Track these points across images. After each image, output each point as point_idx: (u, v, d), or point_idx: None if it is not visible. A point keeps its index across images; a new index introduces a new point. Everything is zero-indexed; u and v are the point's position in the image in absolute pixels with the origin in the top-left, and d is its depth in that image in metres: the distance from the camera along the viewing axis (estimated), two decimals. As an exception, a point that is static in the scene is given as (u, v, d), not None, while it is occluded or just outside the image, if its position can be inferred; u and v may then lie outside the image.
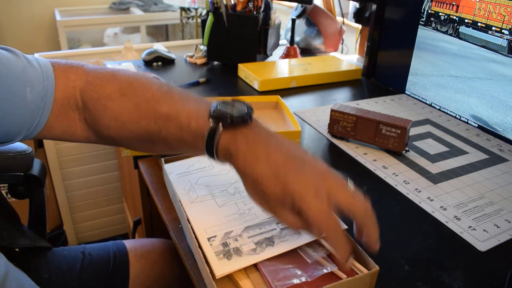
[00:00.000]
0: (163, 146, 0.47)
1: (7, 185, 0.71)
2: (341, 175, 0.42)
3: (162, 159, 0.57)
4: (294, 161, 0.39)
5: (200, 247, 0.43)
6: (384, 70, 1.02)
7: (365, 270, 0.41)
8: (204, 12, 2.10)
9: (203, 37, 1.10)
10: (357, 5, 1.15)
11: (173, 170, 0.56)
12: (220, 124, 0.41)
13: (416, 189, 0.60)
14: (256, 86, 0.95)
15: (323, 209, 0.37)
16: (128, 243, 0.76)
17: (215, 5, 1.03)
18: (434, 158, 0.68)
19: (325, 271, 0.41)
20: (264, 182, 0.39)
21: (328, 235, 0.38)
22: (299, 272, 0.40)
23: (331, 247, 0.41)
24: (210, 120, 0.42)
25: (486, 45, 0.76)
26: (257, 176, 0.39)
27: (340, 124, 0.72)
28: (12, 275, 0.49)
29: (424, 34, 0.88)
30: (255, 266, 0.41)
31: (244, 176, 0.41)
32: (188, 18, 2.48)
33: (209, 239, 0.44)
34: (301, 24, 1.29)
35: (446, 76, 0.85)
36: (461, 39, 0.80)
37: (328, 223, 0.37)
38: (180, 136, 0.44)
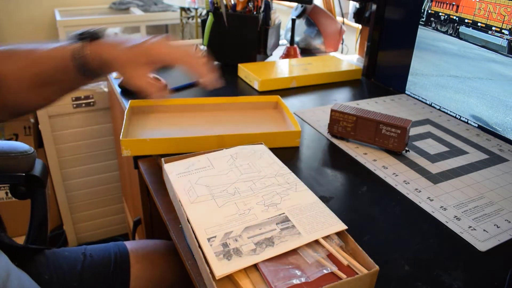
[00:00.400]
0: (51, 86, 0.57)
1: (8, 185, 0.71)
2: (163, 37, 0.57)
3: (162, 159, 0.57)
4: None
5: (200, 247, 0.43)
6: (384, 70, 1.02)
7: (364, 270, 0.41)
8: (204, 12, 2.10)
9: (203, 37, 1.10)
10: (357, 5, 1.15)
11: (173, 170, 0.56)
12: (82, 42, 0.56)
13: (416, 189, 0.60)
14: (256, 86, 0.95)
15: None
16: (129, 245, 0.76)
17: (215, 5, 1.03)
18: (434, 158, 0.68)
19: (325, 271, 0.41)
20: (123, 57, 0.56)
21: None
22: (299, 273, 0.40)
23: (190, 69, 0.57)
24: (74, 44, 0.56)
25: (486, 45, 0.76)
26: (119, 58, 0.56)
27: (340, 124, 0.72)
28: (14, 275, 0.49)
29: (424, 34, 0.88)
30: (255, 266, 0.41)
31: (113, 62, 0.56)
32: (188, 18, 2.48)
33: (209, 239, 0.44)
34: (301, 24, 1.29)
35: (446, 76, 0.85)
36: (461, 39, 0.80)
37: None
38: (56, 65, 0.56)
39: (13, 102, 0.57)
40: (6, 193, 1.41)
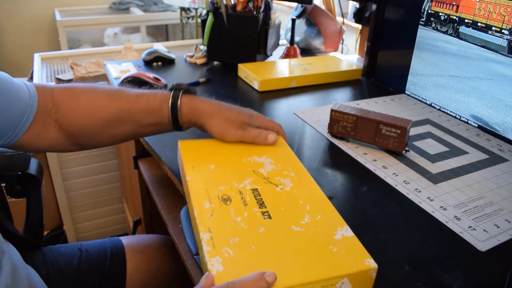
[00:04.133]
0: (130, 124, 0.58)
1: (4, 184, 0.71)
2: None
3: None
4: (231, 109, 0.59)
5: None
6: (384, 70, 1.02)
7: (364, 268, 0.41)
8: (204, 12, 2.10)
9: (203, 37, 1.10)
10: (357, 5, 1.15)
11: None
12: (181, 92, 0.58)
13: (416, 189, 0.60)
14: (256, 86, 0.95)
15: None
16: (124, 240, 0.77)
17: (215, 5, 1.03)
18: (434, 158, 0.69)
19: None
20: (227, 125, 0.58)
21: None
22: None
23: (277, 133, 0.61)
24: (171, 91, 0.58)
25: (486, 45, 0.76)
26: (219, 124, 0.58)
27: (340, 124, 0.72)
28: (21, 268, 0.50)
29: (424, 34, 0.88)
30: None
31: (210, 127, 0.58)
32: (188, 18, 2.48)
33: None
34: (301, 24, 1.30)
35: (446, 76, 0.85)
36: (461, 39, 0.80)
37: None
38: (147, 107, 0.57)
39: (84, 134, 0.58)
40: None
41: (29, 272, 0.54)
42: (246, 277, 0.37)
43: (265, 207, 0.47)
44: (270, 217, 0.45)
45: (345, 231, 0.45)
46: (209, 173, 0.52)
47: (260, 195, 0.49)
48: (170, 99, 0.57)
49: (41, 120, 0.56)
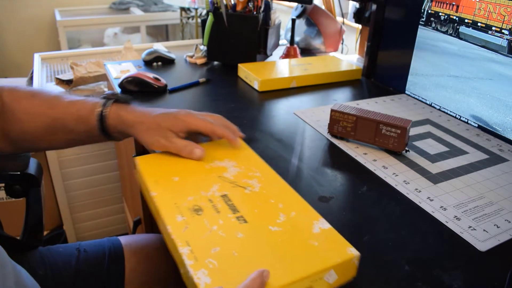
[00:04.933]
0: (64, 133, 0.60)
1: (3, 184, 0.71)
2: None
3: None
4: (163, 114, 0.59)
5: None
6: (384, 70, 1.02)
7: (347, 257, 0.41)
8: (204, 12, 2.10)
9: (203, 37, 1.10)
10: (357, 5, 1.15)
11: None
12: (111, 101, 0.59)
13: (416, 189, 0.60)
14: (256, 86, 0.95)
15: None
16: (123, 239, 0.77)
17: (215, 5, 1.03)
18: (434, 158, 0.68)
19: None
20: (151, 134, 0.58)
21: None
22: None
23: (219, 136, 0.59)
24: (101, 99, 0.59)
25: (486, 45, 0.76)
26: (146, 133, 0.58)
27: (340, 124, 0.72)
28: (10, 268, 0.50)
29: (424, 34, 0.88)
30: None
31: (137, 137, 0.59)
32: (188, 18, 2.48)
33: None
34: (301, 24, 1.30)
35: (446, 76, 0.85)
36: (461, 39, 0.80)
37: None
38: (78, 116, 0.58)
39: (22, 138, 0.59)
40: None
41: (18, 270, 0.53)
42: (246, 281, 0.36)
43: (239, 212, 0.46)
44: (245, 221, 0.45)
45: (322, 224, 0.45)
46: (174, 186, 0.51)
47: (231, 200, 0.48)
48: (99, 107, 0.58)
49: None
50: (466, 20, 0.78)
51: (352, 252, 0.42)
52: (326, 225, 0.45)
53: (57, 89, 1.28)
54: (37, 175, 0.71)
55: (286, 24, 1.40)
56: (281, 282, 0.37)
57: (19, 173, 0.69)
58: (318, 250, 0.41)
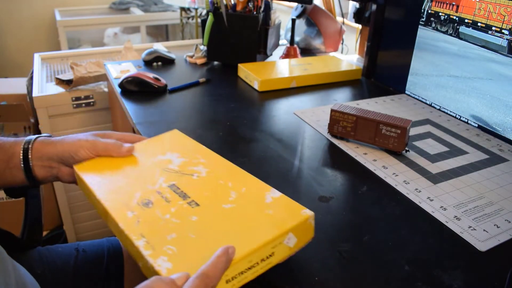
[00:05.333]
0: None
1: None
2: None
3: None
4: None
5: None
6: (384, 70, 1.02)
7: (302, 219, 0.42)
8: (204, 12, 2.10)
9: (203, 37, 1.10)
10: (357, 5, 1.15)
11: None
12: (31, 141, 0.56)
13: (416, 189, 0.60)
14: (256, 86, 0.95)
15: None
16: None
17: (215, 5, 1.04)
18: (434, 158, 0.68)
19: None
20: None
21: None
22: None
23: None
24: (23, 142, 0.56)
25: (486, 45, 0.76)
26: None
27: (340, 124, 0.72)
28: (10, 265, 0.50)
29: (424, 34, 0.88)
30: None
31: (62, 146, 0.56)
32: (188, 18, 2.48)
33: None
34: (301, 24, 1.29)
35: (446, 76, 0.85)
36: (461, 39, 0.80)
37: None
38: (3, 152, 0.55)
39: None
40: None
41: (17, 268, 0.54)
42: (210, 260, 0.36)
43: (189, 197, 0.46)
44: (198, 204, 0.45)
45: (273, 193, 0.46)
46: (119, 186, 0.50)
47: (179, 189, 0.48)
48: (22, 144, 0.56)
49: None
50: (466, 20, 0.78)
51: (307, 213, 0.43)
52: (277, 193, 0.46)
53: (57, 89, 1.28)
54: None
55: (286, 24, 1.40)
56: (242, 253, 0.38)
57: None
58: (273, 217, 0.42)
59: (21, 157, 0.55)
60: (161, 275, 0.36)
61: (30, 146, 0.56)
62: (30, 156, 0.55)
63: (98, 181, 0.51)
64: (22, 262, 0.58)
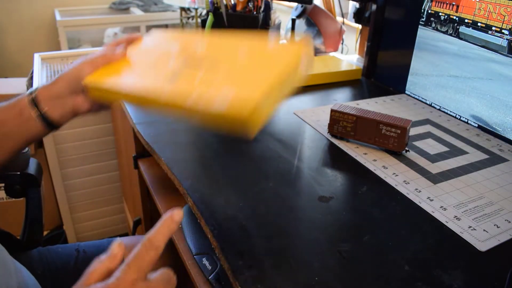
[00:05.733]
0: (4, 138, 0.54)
1: (3, 184, 0.71)
2: None
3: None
4: None
5: None
6: (384, 70, 1.02)
7: (305, 46, 0.46)
8: (204, 12, 2.10)
9: (203, 37, 1.09)
10: (357, 5, 1.15)
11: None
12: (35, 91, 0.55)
13: (416, 189, 0.60)
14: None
15: None
16: (124, 241, 0.76)
17: (215, 5, 1.03)
18: (434, 158, 0.68)
19: None
20: None
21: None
22: None
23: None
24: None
25: (486, 45, 0.76)
26: None
27: (340, 124, 0.72)
28: (11, 266, 0.50)
29: (424, 34, 0.88)
30: None
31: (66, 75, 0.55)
32: (188, 18, 2.48)
33: None
34: (301, 24, 1.29)
35: (446, 76, 0.85)
36: (461, 39, 0.80)
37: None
38: (14, 114, 0.53)
39: None
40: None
41: (18, 268, 0.54)
42: (154, 227, 0.39)
43: (209, 60, 0.49)
44: (218, 61, 0.48)
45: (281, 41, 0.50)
46: (138, 74, 0.51)
47: (194, 60, 0.50)
48: (26, 97, 0.55)
49: None
50: (466, 20, 0.78)
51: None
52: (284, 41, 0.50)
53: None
54: (37, 175, 0.72)
55: (286, 24, 1.40)
56: (268, 83, 0.41)
57: (19, 173, 0.69)
58: (284, 48, 0.47)
59: (32, 105, 0.54)
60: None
61: (34, 94, 0.54)
62: (39, 102, 0.54)
63: (117, 78, 0.52)
64: (23, 262, 0.58)
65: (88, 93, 0.53)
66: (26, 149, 0.70)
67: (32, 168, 0.71)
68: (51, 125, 0.55)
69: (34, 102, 0.54)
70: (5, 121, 0.54)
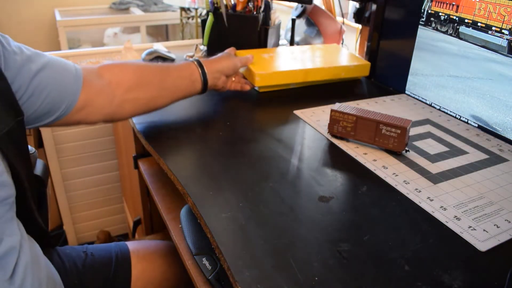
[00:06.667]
0: (170, 99, 0.74)
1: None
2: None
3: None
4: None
5: None
6: (384, 70, 1.02)
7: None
8: (204, 12, 2.10)
9: (203, 37, 1.10)
10: (357, 5, 1.15)
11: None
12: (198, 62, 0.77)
13: (416, 189, 0.60)
14: (256, 87, 0.95)
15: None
16: (130, 245, 0.76)
17: (215, 5, 1.03)
18: (434, 158, 0.69)
19: None
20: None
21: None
22: None
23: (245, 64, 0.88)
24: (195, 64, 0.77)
25: (486, 45, 0.76)
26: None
27: (340, 124, 0.72)
28: (43, 262, 0.52)
29: (424, 34, 0.88)
30: None
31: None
32: (188, 18, 2.48)
33: None
34: (301, 24, 1.29)
35: (446, 76, 0.85)
36: (461, 39, 0.80)
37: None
38: (186, 86, 0.75)
39: (123, 117, 0.69)
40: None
41: (48, 263, 0.54)
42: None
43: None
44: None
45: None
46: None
47: None
48: (198, 72, 0.75)
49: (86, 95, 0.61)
50: (466, 20, 0.78)
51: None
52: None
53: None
54: (43, 176, 0.71)
55: (286, 24, 1.40)
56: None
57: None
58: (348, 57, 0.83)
59: (200, 71, 0.75)
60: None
61: (201, 64, 0.75)
62: (206, 71, 0.75)
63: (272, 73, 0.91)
64: None
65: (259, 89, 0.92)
66: (33, 150, 0.70)
67: (38, 169, 0.71)
68: (206, 88, 0.77)
69: (203, 69, 0.75)
70: (182, 77, 0.73)
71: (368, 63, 1.02)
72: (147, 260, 0.74)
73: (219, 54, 0.82)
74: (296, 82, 0.96)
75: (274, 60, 1.01)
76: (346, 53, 1.09)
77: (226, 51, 0.87)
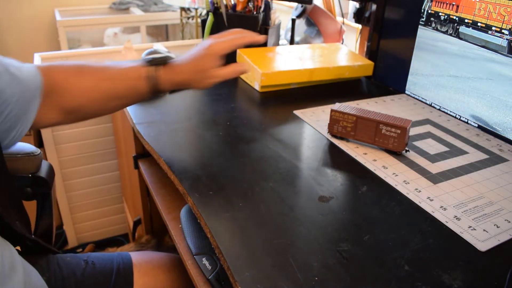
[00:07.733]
0: (116, 100, 0.64)
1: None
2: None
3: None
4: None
5: None
6: (384, 70, 1.02)
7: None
8: (204, 12, 2.10)
9: (203, 37, 1.10)
10: (357, 5, 1.15)
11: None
12: (155, 67, 0.64)
13: (416, 189, 0.60)
14: (256, 86, 0.95)
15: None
16: (134, 256, 0.73)
17: (215, 5, 1.04)
18: (434, 158, 0.69)
19: None
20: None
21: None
22: None
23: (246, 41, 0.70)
24: (148, 67, 0.64)
25: (486, 45, 0.76)
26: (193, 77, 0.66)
27: (340, 124, 0.72)
28: (19, 268, 0.50)
29: (424, 34, 0.88)
30: None
31: (194, 88, 0.67)
32: (188, 18, 2.48)
33: None
34: (301, 24, 1.29)
35: (446, 76, 0.85)
36: (461, 39, 0.80)
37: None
38: (129, 85, 0.63)
39: (77, 110, 0.63)
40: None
41: (28, 271, 0.53)
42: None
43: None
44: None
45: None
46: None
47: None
48: (148, 75, 0.63)
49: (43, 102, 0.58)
50: (466, 20, 0.78)
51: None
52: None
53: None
54: (48, 178, 0.70)
55: (286, 24, 1.40)
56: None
57: (30, 175, 0.68)
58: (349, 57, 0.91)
59: (149, 86, 0.63)
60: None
61: (155, 74, 0.64)
62: (159, 85, 0.64)
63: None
64: (32, 264, 0.57)
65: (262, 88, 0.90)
66: (38, 151, 0.70)
67: (43, 171, 0.70)
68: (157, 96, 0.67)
69: (154, 83, 0.64)
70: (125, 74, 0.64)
71: (371, 63, 1.02)
72: (149, 275, 0.71)
73: (194, 50, 0.67)
74: (301, 81, 0.96)
75: (278, 59, 1.01)
76: (349, 52, 1.09)
77: (230, 32, 0.70)
